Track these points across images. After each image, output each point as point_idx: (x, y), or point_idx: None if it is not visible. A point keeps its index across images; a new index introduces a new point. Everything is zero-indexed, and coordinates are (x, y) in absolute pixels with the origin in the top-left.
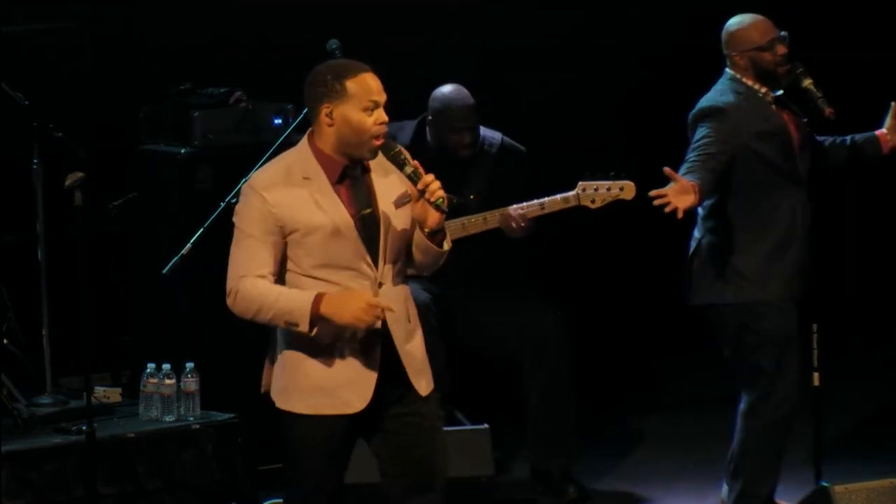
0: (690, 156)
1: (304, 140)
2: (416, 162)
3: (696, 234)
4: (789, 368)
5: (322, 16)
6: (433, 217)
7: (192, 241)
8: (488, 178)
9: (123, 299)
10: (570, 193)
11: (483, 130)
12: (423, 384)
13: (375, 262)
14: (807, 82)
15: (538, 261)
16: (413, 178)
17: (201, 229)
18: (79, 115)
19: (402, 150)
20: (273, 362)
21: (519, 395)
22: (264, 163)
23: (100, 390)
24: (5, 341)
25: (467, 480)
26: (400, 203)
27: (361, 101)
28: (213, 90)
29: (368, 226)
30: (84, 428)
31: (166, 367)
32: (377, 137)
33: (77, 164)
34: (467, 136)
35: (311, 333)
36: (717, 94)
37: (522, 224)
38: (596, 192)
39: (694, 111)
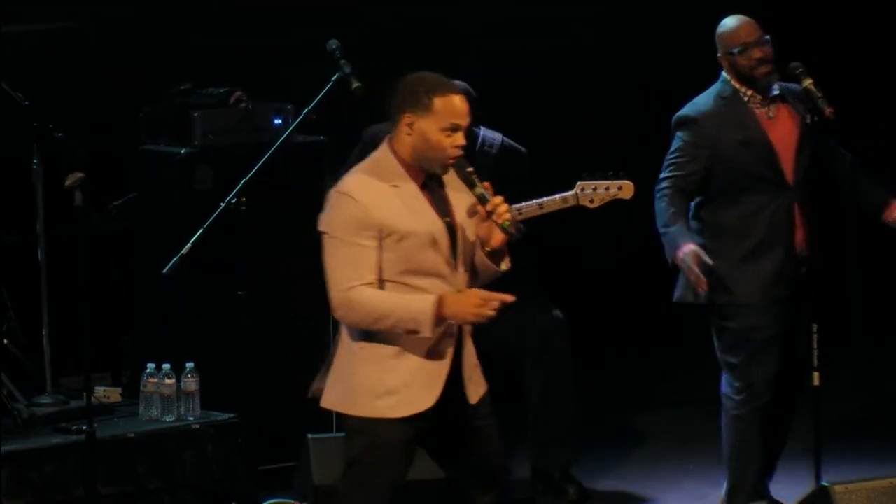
0: (663, 173)
1: (385, 147)
2: (486, 184)
3: None
4: (763, 367)
5: (322, 16)
6: (497, 238)
7: (192, 241)
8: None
9: (123, 299)
10: (569, 193)
11: (483, 131)
12: (473, 389)
13: (455, 268)
14: (807, 82)
15: (539, 261)
16: (482, 199)
17: (201, 229)
18: (79, 115)
19: (474, 170)
20: (330, 368)
21: (519, 395)
22: (264, 163)
23: (100, 390)
24: (5, 341)
25: None
26: (471, 213)
27: (444, 121)
28: (213, 90)
29: (449, 233)
30: (84, 428)
31: (166, 367)
32: (451, 158)
33: (77, 164)
34: None
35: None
36: (701, 99)
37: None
38: (594, 191)
39: (674, 117)
